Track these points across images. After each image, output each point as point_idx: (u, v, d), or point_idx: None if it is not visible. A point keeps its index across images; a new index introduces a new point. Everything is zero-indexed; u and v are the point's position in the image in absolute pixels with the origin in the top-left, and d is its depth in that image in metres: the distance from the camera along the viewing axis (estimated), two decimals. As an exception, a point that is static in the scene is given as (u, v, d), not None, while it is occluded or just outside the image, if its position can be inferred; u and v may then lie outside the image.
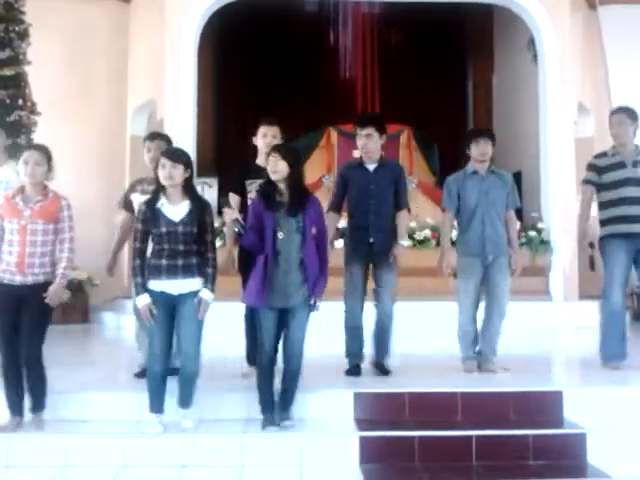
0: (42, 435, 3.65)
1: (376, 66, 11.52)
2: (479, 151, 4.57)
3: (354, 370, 4.43)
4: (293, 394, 3.76)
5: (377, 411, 3.90)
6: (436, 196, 8.21)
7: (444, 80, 11.66)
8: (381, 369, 4.47)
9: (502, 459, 3.61)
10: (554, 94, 8.11)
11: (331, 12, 11.54)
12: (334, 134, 8.96)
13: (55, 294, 3.69)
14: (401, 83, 11.18)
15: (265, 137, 4.42)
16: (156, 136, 4.68)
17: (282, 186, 3.70)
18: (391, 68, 11.31)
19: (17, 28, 7.44)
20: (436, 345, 5.42)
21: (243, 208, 4.31)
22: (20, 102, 7.32)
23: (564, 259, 7.75)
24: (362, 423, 3.76)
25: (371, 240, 4.41)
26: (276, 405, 3.73)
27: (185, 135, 7.66)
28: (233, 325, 4.53)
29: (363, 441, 3.63)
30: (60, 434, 3.64)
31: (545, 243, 7.97)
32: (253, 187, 4.33)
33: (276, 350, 3.81)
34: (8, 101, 7.24)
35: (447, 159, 10.32)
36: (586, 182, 4.85)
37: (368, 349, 4.54)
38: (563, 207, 7.98)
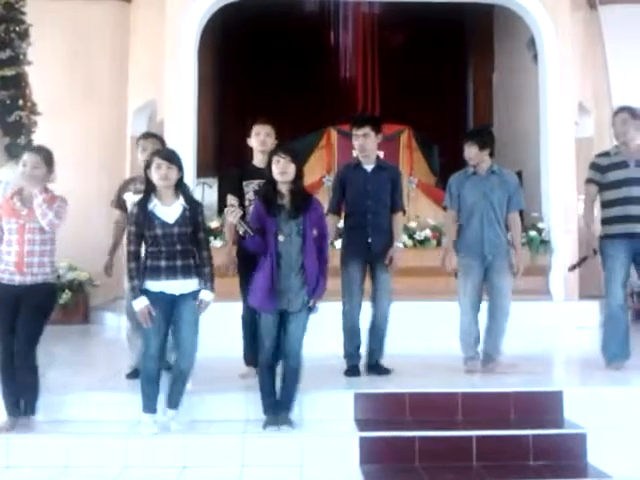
0: (43, 435, 3.66)
1: (376, 66, 11.53)
2: (465, 154, 4.61)
3: (352, 370, 4.44)
4: (292, 395, 3.73)
5: (377, 411, 3.91)
6: (436, 196, 8.22)
7: (444, 80, 11.67)
8: (378, 370, 4.46)
9: (502, 459, 3.61)
10: (554, 94, 8.10)
11: (331, 12, 11.55)
12: (334, 134, 8.94)
13: None
14: (401, 83, 11.18)
15: (258, 135, 4.44)
16: (151, 135, 4.70)
17: (283, 188, 3.70)
18: (391, 68, 11.32)
19: (17, 28, 7.43)
20: (437, 345, 5.41)
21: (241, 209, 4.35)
22: (20, 102, 7.31)
23: (564, 259, 7.74)
24: (362, 423, 3.76)
25: (369, 240, 4.42)
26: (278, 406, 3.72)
27: (185, 136, 7.66)
28: (231, 326, 4.53)
29: (363, 441, 3.63)
30: (60, 434, 3.64)
31: (545, 243, 7.97)
32: (250, 188, 4.36)
33: (276, 350, 3.79)
34: (8, 101, 7.23)
35: (447, 159, 10.32)
36: (589, 181, 4.82)
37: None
38: (563, 207, 7.97)
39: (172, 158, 3.66)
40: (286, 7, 9.94)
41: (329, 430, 3.75)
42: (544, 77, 8.17)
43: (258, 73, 11.13)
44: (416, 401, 3.93)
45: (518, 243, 4.66)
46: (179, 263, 3.61)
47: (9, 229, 3.72)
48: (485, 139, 4.64)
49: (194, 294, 3.65)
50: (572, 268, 4.94)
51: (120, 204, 4.57)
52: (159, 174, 3.61)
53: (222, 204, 4.72)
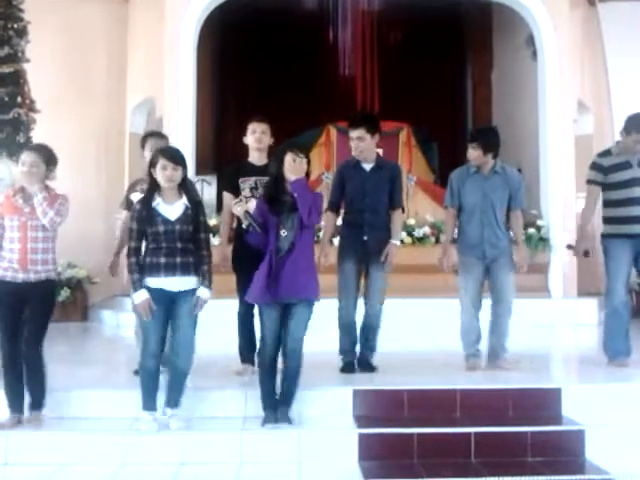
0: (41, 433, 3.66)
1: (375, 63, 11.50)
2: (468, 155, 4.57)
3: (348, 367, 4.43)
4: (292, 393, 3.74)
5: (376, 408, 3.90)
6: (435, 193, 8.22)
7: (443, 77, 11.65)
8: (367, 367, 4.45)
9: (501, 456, 3.61)
10: (554, 91, 8.10)
11: (331, 10, 11.53)
12: (333, 132, 8.94)
13: None
14: (400, 80, 11.16)
15: (254, 133, 4.44)
16: (159, 135, 4.72)
17: (290, 185, 3.70)
18: (390, 65, 11.29)
19: (16, 25, 7.41)
20: (435, 342, 5.41)
21: None
22: (19, 100, 7.30)
23: (563, 256, 7.75)
24: (361, 420, 3.76)
25: (365, 238, 4.41)
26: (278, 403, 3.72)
27: (184, 133, 7.66)
28: (228, 322, 4.54)
29: (362, 438, 3.63)
30: (59, 431, 3.64)
31: (544, 240, 7.97)
32: (247, 185, 4.37)
33: (278, 348, 3.79)
34: (7, 99, 7.22)
35: (446, 157, 10.32)
36: (591, 182, 4.77)
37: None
38: (562, 204, 7.98)
39: (178, 159, 3.66)
40: (285, 4, 9.93)
41: (328, 426, 3.75)
42: (543, 74, 8.17)
43: (257, 70, 11.11)
44: (414, 398, 3.93)
45: (520, 240, 4.65)
46: (178, 260, 3.62)
47: (11, 227, 3.72)
48: (490, 142, 4.55)
49: (192, 293, 3.66)
50: (569, 247, 4.93)
51: (128, 205, 4.57)
52: (165, 176, 3.61)
53: (219, 202, 4.73)
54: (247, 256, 4.28)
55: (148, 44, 8.43)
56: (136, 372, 4.39)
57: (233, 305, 4.38)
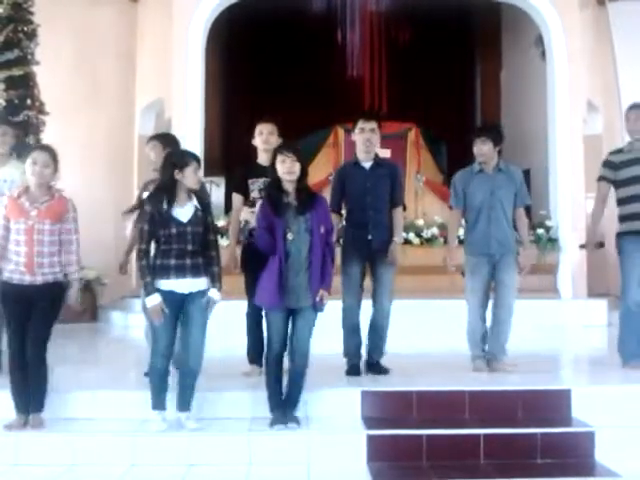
0: (50, 434, 3.67)
1: (384, 64, 11.51)
2: (476, 151, 4.55)
3: (353, 370, 4.40)
4: (298, 394, 3.74)
5: (384, 409, 3.90)
6: (444, 194, 8.19)
7: (452, 78, 11.63)
8: (378, 369, 4.43)
9: (510, 457, 3.59)
10: (563, 91, 8.07)
11: (339, 11, 11.54)
12: (341, 132, 8.93)
13: (72, 297, 3.79)
14: (409, 81, 11.16)
15: (261, 134, 4.45)
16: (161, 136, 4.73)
17: (289, 186, 3.70)
18: (399, 66, 11.29)
19: (26, 28, 7.48)
20: (444, 343, 5.39)
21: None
22: (28, 102, 7.36)
23: (573, 257, 7.72)
24: (369, 421, 3.75)
25: (369, 237, 4.39)
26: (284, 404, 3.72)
27: (193, 134, 7.68)
28: (236, 323, 4.54)
29: (370, 439, 3.63)
30: (68, 432, 3.65)
31: (553, 241, 7.94)
32: (256, 186, 4.37)
33: (284, 349, 3.77)
34: (17, 101, 7.29)
35: (455, 157, 10.30)
36: (601, 179, 4.77)
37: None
38: (572, 205, 7.95)
39: (199, 161, 3.74)
40: (293, 5, 9.94)
41: (336, 428, 3.74)
42: (552, 75, 8.14)
43: (265, 71, 11.14)
44: (423, 399, 3.92)
45: (525, 239, 4.64)
46: (188, 262, 3.63)
47: (17, 229, 3.69)
48: (498, 135, 4.60)
49: (203, 294, 3.67)
50: (582, 247, 5.00)
51: (141, 205, 4.59)
52: (195, 180, 3.67)
53: (229, 203, 4.76)
54: (256, 257, 4.29)
55: (157, 46, 8.46)
56: (147, 374, 4.40)
57: (241, 306, 4.38)
